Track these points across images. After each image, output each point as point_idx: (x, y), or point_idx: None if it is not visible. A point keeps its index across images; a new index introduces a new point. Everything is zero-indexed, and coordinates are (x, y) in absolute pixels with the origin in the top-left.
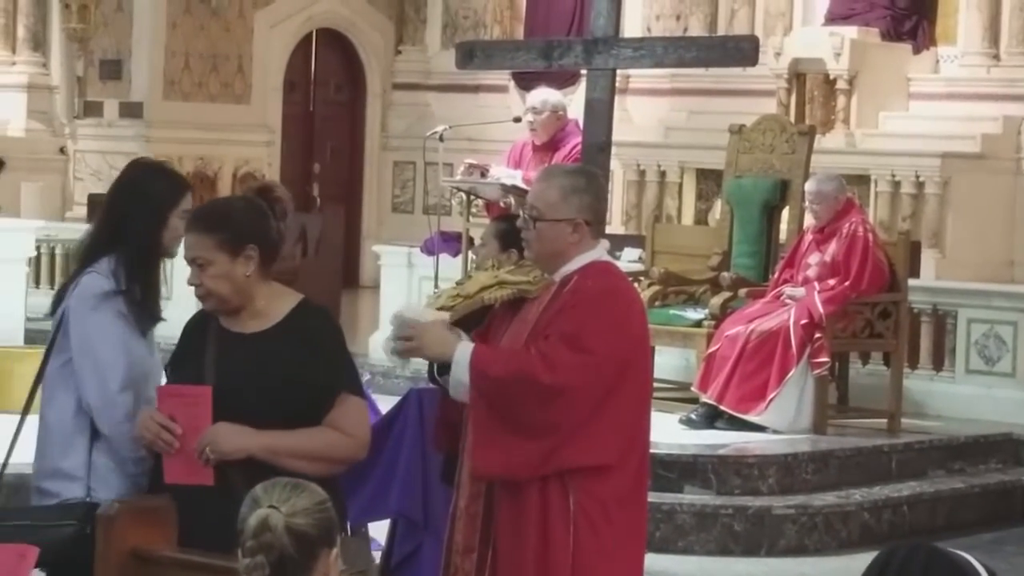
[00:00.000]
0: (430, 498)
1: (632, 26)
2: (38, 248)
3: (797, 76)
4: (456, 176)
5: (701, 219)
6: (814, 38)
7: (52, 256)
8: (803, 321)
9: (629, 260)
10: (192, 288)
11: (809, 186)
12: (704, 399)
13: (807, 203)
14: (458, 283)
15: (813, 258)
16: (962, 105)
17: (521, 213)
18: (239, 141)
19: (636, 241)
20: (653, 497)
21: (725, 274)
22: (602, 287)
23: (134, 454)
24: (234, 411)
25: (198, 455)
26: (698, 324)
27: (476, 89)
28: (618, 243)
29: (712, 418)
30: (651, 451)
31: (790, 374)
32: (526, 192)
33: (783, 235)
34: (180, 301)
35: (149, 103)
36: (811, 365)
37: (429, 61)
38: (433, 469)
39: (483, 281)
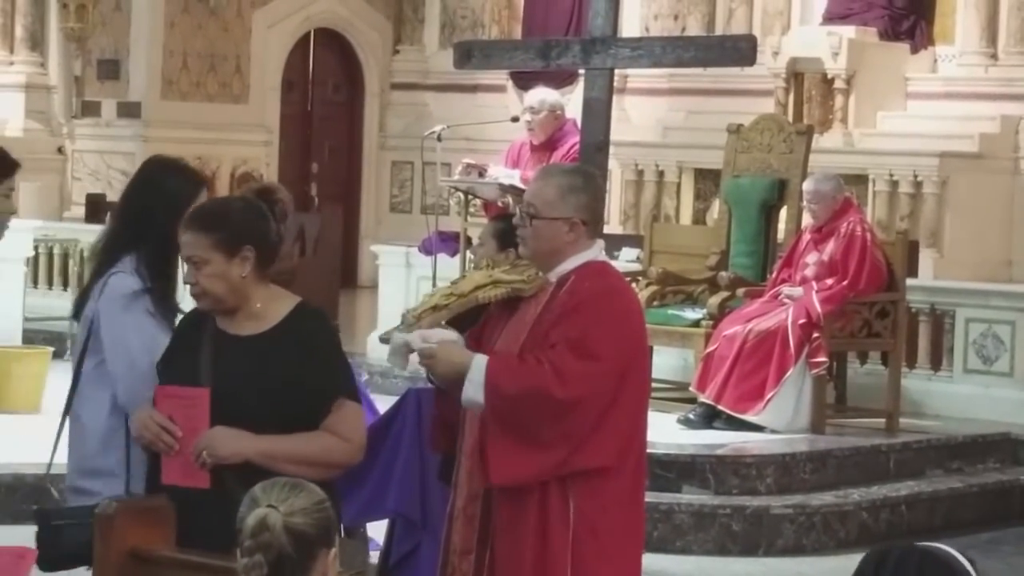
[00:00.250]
0: (428, 497)
1: (630, 26)
2: (36, 248)
3: (795, 76)
4: (454, 176)
5: (699, 219)
6: (812, 38)
7: (50, 256)
8: (801, 321)
9: (627, 260)
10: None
11: (807, 186)
12: (702, 399)
13: (805, 203)
14: (453, 282)
15: (811, 258)
16: (960, 105)
17: (518, 210)
18: (237, 141)
19: (634, 241)
20: (651, 497)
21: (723, 274)
22: (600, 288)
23: None
24: (231, 414)
25: (194, 458)
26: (696, 324)
27: (474, 89)
28: (616, 243)
29: (710, 418)
30: (649, 451)
31: (788, 374)
32: (524, 192)
33: (781, 235)
34: (185, 297)
35: (147, 103)
36: (809, 365)
37: (427, 61)
38: (431, 469)
39: (478, 280)
